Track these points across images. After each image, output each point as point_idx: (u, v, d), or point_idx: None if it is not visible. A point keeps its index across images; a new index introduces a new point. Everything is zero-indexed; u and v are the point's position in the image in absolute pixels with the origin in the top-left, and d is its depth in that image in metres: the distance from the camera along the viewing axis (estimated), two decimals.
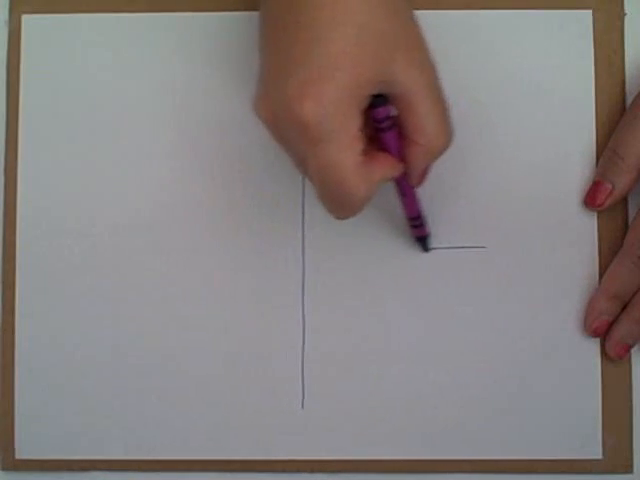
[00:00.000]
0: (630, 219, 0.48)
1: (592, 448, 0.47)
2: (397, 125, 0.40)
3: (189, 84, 0.49)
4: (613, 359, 0.47)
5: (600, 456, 0.47)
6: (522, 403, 0.47)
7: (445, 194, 0.48)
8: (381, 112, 0.39)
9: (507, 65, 0.48)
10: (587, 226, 0.48)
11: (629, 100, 0.48)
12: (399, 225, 0.48)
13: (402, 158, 0.41)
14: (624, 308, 0.47)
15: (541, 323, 0.48)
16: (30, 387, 0.48)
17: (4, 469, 0.48)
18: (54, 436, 0.48)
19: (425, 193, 0.48)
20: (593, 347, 0.48)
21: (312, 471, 0.48)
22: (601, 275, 0.48)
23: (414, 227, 0.47)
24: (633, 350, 0.47)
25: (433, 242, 0.48)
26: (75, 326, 0.48)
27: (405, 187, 0.43)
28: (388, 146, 0.40)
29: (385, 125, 0.39)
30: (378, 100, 0.39)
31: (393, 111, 0.39)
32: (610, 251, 0.48)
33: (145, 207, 0.49)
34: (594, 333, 0.47)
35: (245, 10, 0.49)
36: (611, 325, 0.47)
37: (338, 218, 0.41)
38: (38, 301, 0.49)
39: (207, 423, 0.48)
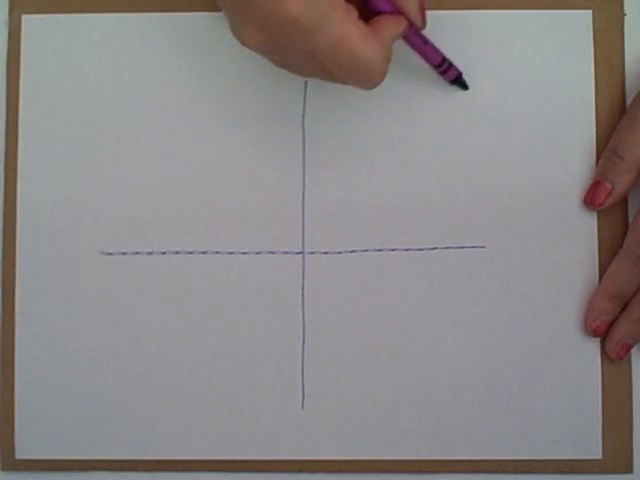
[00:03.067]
0: (630, 219, 0.48)
1: (592, 448, 0.47)
2: None
3: (189, 84, 0.49)
4: (613, 359, 0.47)
5: (600, 456, 0.47)
6: (522, 403, 0.47)
7: (445, 194, 0.48)
8: None
9: (507, 65, 0.48)
10: (587, 226, 0.48)
11: (629, 100, 0.48)
12: (397, 225, 0.48)
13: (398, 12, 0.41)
14: (624, 308, 0.47)
15: (541, 323, 0.48)
16: (30, 387, 0.48)
17: (4, 469, 0.48)
18: (54, 436, 0.48)
19: (425, 193, 0.48)
20: (593, 347, 0.48)
21: (312, 471, 0.48)
22: (601, 275, 0.48)
23: (444, 73, 0.47)
24: (633, 350, 0.47)
25: (433, 242, 0.48)
26: (75, 326, 0.48)
27: (416, 38, 0.44)
28: (381, 7, 0.41)
29: None
30: None
31: None
32: (610, 251, 0.48)
33: (146, 206, 0.49)
34: (594, 333, 0.47)
35: None
36: (611, 325, 0.47)
37: (368, 88, 0.42)
38: (38, 301, 0.49)
39: (207, 423, 0.48)
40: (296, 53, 0.39)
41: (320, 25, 0.38)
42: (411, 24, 0.42)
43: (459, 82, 0.48)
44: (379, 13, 0.41)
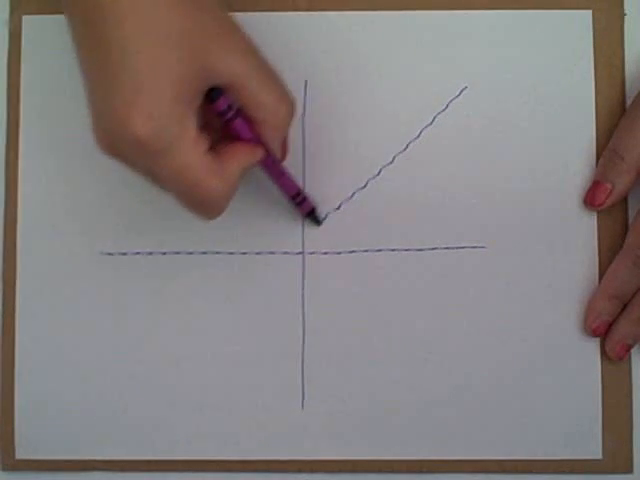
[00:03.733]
0: (630, 219, 0.48)
1: (592, 448, 0.47)
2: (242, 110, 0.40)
3: None
4: (613, 359, 0.47)
5: (600, 456, 0.47)
6: (522, 403, 0.47)
7: (445, 194, 0.48)
8: (221, 104, 0.39)
9: (507, 65, 0.48)
10: (587, 226, 0.48)
11: (629, 100, 0.48)
12: (397, 225, 0.48)
13: (258, 141, 0.41)
14: (624, 308, 0.47)
15: (541, 323, 0.48)
16: (30, 387, 0.48)
17: (4, 469, 0.48)
18: (54, 436, 0.48)
19: (425, 193, 0.48)
20: (593, 347, 0.48)
21: (312, 471, 0.48)
22: (601, 275, 0.48)
23: (299, 205, 0.46)
24: (633, 350, 0.47)
25: (433, 242, 0.48)
26: (75, 326, 0.48)
27: (274, 168, 0.43)
28: (241, 134, 0.40)
29: (230, 115, 0.39)
30: (215, 93, 0.39)
31: (232, 99, 0.40)
32: (610, 251, 0.48)
33: (145, 207, 0.49)
34: (594, 333, 0.47)
35: (246, 10, 0.49)
36: (611, 325, 0.47)
37: (205, 220, 0.41)
38: (38, 301, 0.49)
39: (207, 423, 0.48)
40: (143, 165, 0.39)
41: (165, 151, 0.37)
42: (269, 154, 0.42)
43: (312, 216, 0.47)
44: (239, 138, 0.40)
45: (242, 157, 0.40)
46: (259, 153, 0.41)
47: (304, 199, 0.46)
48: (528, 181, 0.48)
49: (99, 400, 0.48)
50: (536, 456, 0.47)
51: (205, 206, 0.40)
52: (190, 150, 0.38)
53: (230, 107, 0.39)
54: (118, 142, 0.37)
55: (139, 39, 0.36)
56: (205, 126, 0.39)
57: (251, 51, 0.40)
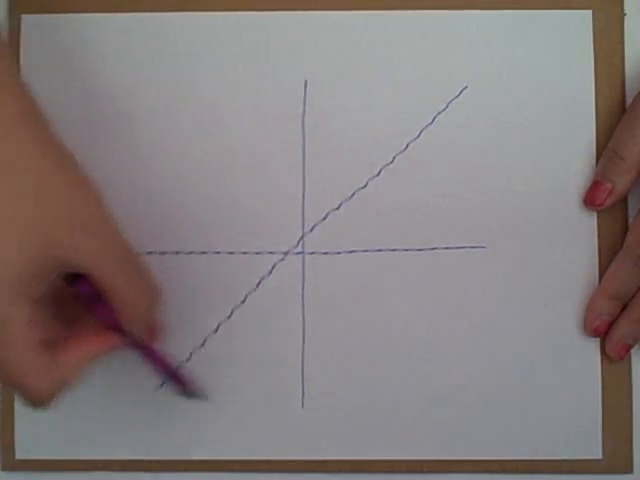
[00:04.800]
0: (630, 219, 0.48)
1: (592, 448, 0.47)
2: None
3: (189, 84, 0.49)
4: (613, 359, 0.47)
5: (600, 456, 0.47)
6: (522, 403, 0.47)
7: (445, 194, 0.48)
8: (81, 289, 0.37)
9: (507, 65, 0.48)
10: (587, 226, 0.48)
11: (629, 100, 0.48)
12: (397, 225, 0.48)
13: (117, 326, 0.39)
14: (624, 308, 0.47)
15: (541, 323, 0.48)
16: None
17: (4, 469, 0.48)
18: (54, 436, 0.48)
19: (425, 193, 0.48)
20: (593, 347, 0.48)
21: (312, 471, 0.48)
22: (601, 275, 0.48)
23: (177, 383, 0.44)
24: (633, 350, 0.47)
25: (433, 242, 0.48)
26: None
27: (142, 351, 0.42)
28: (103, 317, 0.39)
29: (90, 297, 0.38)
30: (72, 277, 0.37)
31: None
32: (610, 251, 0.48)
33: (145, 207, 0.49)
34: (594, 333, 0.47)
35: (245, 10, 0.49)
36: (611, 325, 0.47)
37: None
38: None
39: (207, 423, 0.48)
40: None
41: None
42: (131, 339, 0.40)
43: (191, 393, 0.44)
44: (100, 319, 0.39)
45: (89, 347, 0.38)
46: (111, 341, 0.39)
47: (179, 376, 0.44)
48: (528, 181, 0.48)
49: (99, 400, 0.48)
50: (536, 456, 0.47)
51: (28, 396, 0.37)
52: (17, 345, 0.35)
53: (91, 294, 0.37)
54: None
55: None
56: (60, 306, 0.37)
57: (110, 237, 0.37)
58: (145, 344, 0.41)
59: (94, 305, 0.38)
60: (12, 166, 0.34)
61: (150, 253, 0.48)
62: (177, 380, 0.44)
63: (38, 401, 0.37)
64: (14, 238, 0.34)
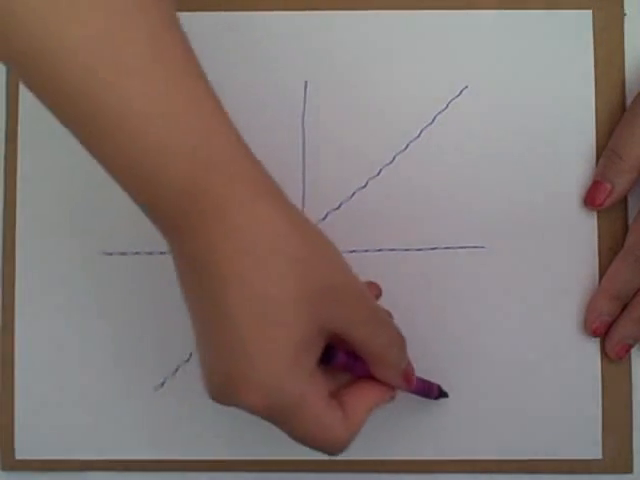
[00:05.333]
0: (630, 219, 0.48)
1: (592, 448, 0.47)
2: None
3: None
4: (613, 359, 0.47)
5: (600, 456, 0.47)
6: (522, 403, 0.47)
7: (445, 194, 0.48)
8: (339, 360, 0.38)
9: (507, 65, 0.48)
10: (587, 226, 0.48)
11: (629, 100, 0.48)
12: (397, 225, 0.48)
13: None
14: (624, 308, 0.47)
15: (541, 323, 0.48)
16: (30, 387, 0.48)
17: (4, 469, 0.48)
18: (54, 436, 0.48)
19: (425, 193, 0.48)
20: (593, 347, 0.48)
21: (312, 471, 0.48)
22: (601, 275, 0.48)
23: (427, 394, 0.45)
24: (633, 350, 0.47)
25: (433, 242, 0.48)
26: (75, 326, 0.48)
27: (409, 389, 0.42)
28: (363, 375, 0.40)
29: (349, 364, 0.38)
30: (331, 352, 0.38)
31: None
32: (610, 251, 0.48)
33: None
34: (594, 333, 0.47)
35: (246, 10, 0.49)
36: (611, 325, 0.47)
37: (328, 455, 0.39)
38: (38, 301, 0.49)
39: (207, 423, 0.48)
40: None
41: (286, 417, 0.36)
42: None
43: (441, 394, 0.46)
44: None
45: (367, 398, 0.39)
46: (388, 394, 0.40)
47: (430, 386, 0.45)
48: (528, 181, 0.48)
49: (99, 400, 0.48)
50: (536, 456, 0.47)
51: (330, 448, 0.38)
52: (314, 407, 0.36)
53: (349, 358, 0.38)
54: (233, 404, 0.36)
55: (247, 310, 0.34)
56: (329, 370, 0.38)
57: (364, 296, 0.37)
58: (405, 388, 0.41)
59: (353, 367, 0.39)
60: (267, 249, 0.34)
61: (150, 253, 0.48)
62: (431, 389, 0.45)
63: (340, 447, 0.38)
64: (292, 315, 0.34)
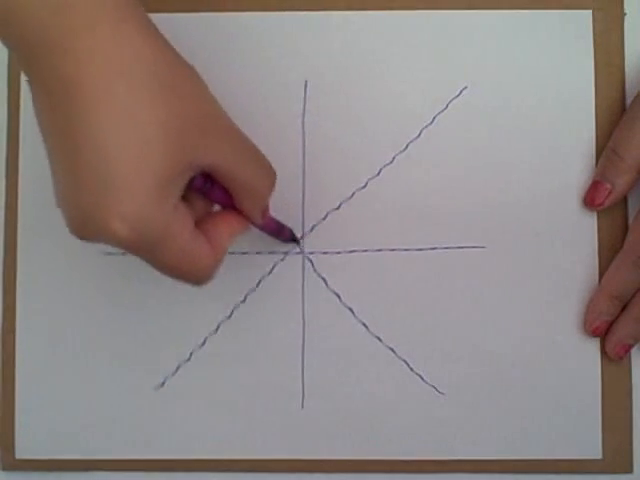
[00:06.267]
0: (630, 219, 0.48)
1: (592, 448, 0.47)
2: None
3: None
4: (613, 359, 0.47)
5: (600, 456, 0.47)
6: (522, 403, 0.47)
7: (445, 194, 0.48)
8: (197, 183, 0.38)
9: (507, 65, 0.48)
10: (587, 226, 0.48)
11: (629, 100, 0.48)
12: (397, 225, 0.48)
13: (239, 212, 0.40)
14: (624, 308, 0.47)
15: (541, 323, 0.48)
16: (30, 387, 0.48)
17: (4, 469, 0.49)
18: (54, 436, 0.48)
19: (425, 193, 0.48)
20: (593, 347, 0.48)
21: (312, 471, 0.48)
22: (601, 275, 0.48)
23: (279, 235, 0.46)
24: (633, 350, 0.47)
25: (433, 242, 0.48)
26: (75, 326, 0.48)
27: (261, 226, 0.43)
28: (222, 204, 0.40)
29: (206, 188, 0.38)
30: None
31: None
32: (610, 251, 0.48)
33: None
34: (594, 333, 0.47)
35: (245, 11, 0.49)
36: (611, 325, 0.47)
37: (194, 285, 0.39)
38: (38, 301, 0.49)
39: (207, 423, 0.48)
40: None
41: (152, 246, 0.35)
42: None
43: (293, 238, 0.47)
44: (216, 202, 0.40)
45: (230, 227, 0.40)
46: (246, 225, 0.41)
47: (282, 227, 0.46)
48: (528, 181, 0.48)
49: (99, 400, 0.48)
50: (536, 456, 0.47)
51: (197, 278, 0.39)
52: (179, 238, 0.36)
53: (206, 182, 0.38)
54: (97, 237, 0.35)
55: (116, 132, 0.33)
56: (186, 199, 0.38)
57: (234, 135, 0.38)
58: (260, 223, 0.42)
59: (213, 194, 0.39)
60: (138, 72, 0.34)
61: None
62: (281, 230, 0.46)
63: (207, 274, 0.38)
64: (157, 148, 0.34)
